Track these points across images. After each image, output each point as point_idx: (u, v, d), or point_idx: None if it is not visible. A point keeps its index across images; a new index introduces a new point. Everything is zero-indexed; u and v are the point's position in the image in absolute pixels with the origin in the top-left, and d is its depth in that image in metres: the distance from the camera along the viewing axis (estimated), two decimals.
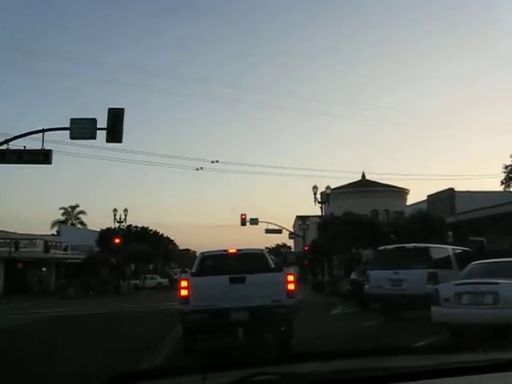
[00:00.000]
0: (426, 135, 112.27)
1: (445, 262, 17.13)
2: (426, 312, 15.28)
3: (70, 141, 22.64)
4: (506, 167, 20.87)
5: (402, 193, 62.36)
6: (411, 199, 58.05)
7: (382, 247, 18.65)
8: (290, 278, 11.37)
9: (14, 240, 49.70)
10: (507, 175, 20.95)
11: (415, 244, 18.17)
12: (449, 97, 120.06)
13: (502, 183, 20.92)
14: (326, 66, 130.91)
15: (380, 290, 17.24)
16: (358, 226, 31.16)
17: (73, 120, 21.13)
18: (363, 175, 62.37)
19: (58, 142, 24.85)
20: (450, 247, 18.66)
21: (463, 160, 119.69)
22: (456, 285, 12.31)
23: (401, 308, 17.27)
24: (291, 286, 11.25)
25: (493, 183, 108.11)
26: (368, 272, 18.40)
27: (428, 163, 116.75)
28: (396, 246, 18.31)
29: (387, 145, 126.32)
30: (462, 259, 17.64)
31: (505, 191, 32.60)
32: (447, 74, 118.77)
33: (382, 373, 1.85)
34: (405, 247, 17.87)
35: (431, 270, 16.35)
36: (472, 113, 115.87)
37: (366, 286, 18.16)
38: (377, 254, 19.00)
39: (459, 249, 19.23)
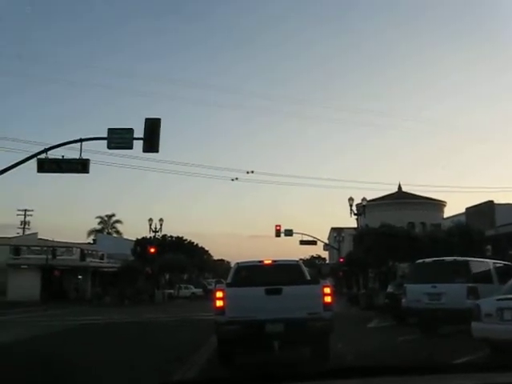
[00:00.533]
0: (465, 148, 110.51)
1: (485, 277, 16.71)
2: (465, 327, 15.00)
3: (105, 150, 22.87)
4: None
5: (439, 205, 61.59)
6: (449, 212, 57.31)
7: (420, 260, 18.25)
8: (327, 290, 11.20)
9: (52, 248, 50.38)
10: None
11: (454, 257, 17.80)
12: (490, 109, 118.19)
13: None
14: (363, 77, 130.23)
15: (418, 304, 16.88)
16: (395, 238, 30.72)
17: (110, 130, 21.32)
18: (399, 187, 61.81)
19: (94, 152, 25.16)
20: (490, 261, 18.19)
21: (503, 173, 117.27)
22: (498, 300, 11.94)
23: (439, 323, 16.89)
24: (328, 299, 11.07)
25: None
26: (405, 285, 18.03)
27: (467, 176, 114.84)
28: (434, 259, 17.89)
29: (425, 157, 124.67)
30: (503, 273, 17.24)
31: None
32: (490, 86, 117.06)
33: None
34: (444, 260, 17.47)
35: (471, 285, 15.95)
36: None
37: (404, 300, 17.79)
38: (415, 267, 18.61)
39: (500, 263, 18.76)
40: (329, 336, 11.11)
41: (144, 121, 21.19)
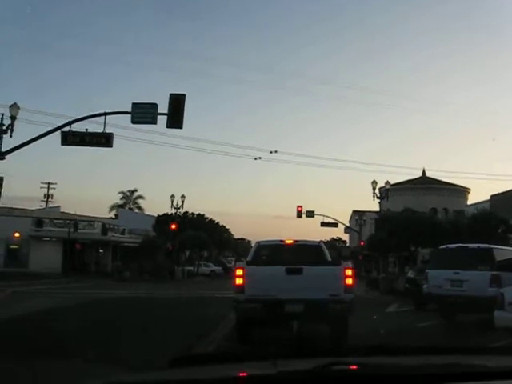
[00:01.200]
0: (493, 135, 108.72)
1: (509, 265, 16.40)
2: (487, 316, 14.76)
3: (129, 125, 22.85)
4: None
5: (462, 192, 60.88)
6: (472, 199, 56.60)
7: (444, 246, 17.98)
8: (349, 272, 11.02)
9: (74, 221, 50.77)
10: None
11: (478, 244, 17.49)
12: None
13: None
14: (391, 60, 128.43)
15: (439, 289, 16.63)
16: (418, 223, 30.39)
17: (134, 104, 21.21)
18: (423, 172, 61.12)
19: (118, 127, 25.18)
20: None
21: None
22: None
23: (460, 310, 16.66)
24: (349, 281, 10.91)
25: None
26: (427, 271, 17.77)
27: (494, 163, 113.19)
28: (458, 245, 17.58)
29: (452, 142, 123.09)
30: None
31: None
32: None
33: (458, 370, 1.77)
34: (467, 247, 17.17)
35: (494, 272, 15.67)
36: None
37: (425, 286, 17.56)
38: (437, 252, 18.33)
39: None
40: (347, 318, 10.96)
41: (169, 97, 21.09)
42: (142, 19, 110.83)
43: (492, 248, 16.99)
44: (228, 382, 1.71)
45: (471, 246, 17.23)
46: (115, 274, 47.62)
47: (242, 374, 1.77)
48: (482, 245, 17.37)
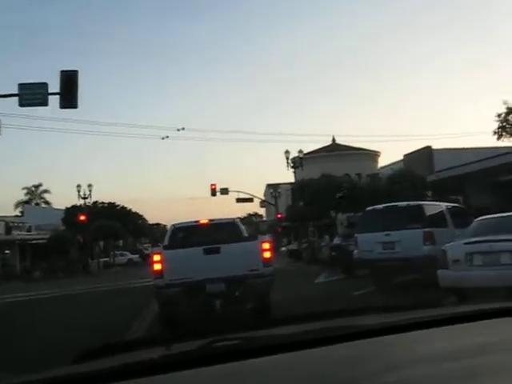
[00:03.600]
0: (396, 95, 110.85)
1: (439, 220, 15.70)
2: (422, 276, 13.99)
3: (25, 113, 20.75)
4: (499, 115, 19.41)
5: (373, 155, 61.49)
6: (383, 162, 57.24)
7: (371, 207, 16.99)
8: (266, 245, 11.12)
9: None
10: (501, 124, 19.52)
11: (407, 202, 16.69)
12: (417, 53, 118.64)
13: (495, 133, 19.51)
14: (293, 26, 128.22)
15: (370, 254, 15.72)
16: (337, 188, 29.72)
17: (21, 85, 19.21)
18: (333, 139, 61.18)
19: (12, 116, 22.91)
20: (442, 204, 17.18)
21: (441, 120, 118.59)
22: (466, 244, 10.81)
23: (394, 273, 15.86)
24: (267, 254, 11.03)
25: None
26: (356, 235, 16.81)
27: (401, 124, 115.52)
28: (386, 205, 16.66)
29: (358, 106, 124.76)
30: (456, 216, 16.37)
31: (485, 148, 31.53)
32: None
33: (343, 331, 1.81)
34: (396, 206, 16.25)
35: (427, 230, 14.90)
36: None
37: (355, 251, 16.62)
38: (365, 215, 17.32)
39: (451, 205, 17.86)
40: (269, 291, 11.11)
41: (59, 74, 19.15)
42: None
43: (422, 204, 16.27)
44: (106, 374, 1.58)
45: (400, 204, 16.36)
46: (24, 275, 44.75)
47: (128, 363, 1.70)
48: (411, 202, 16.61)
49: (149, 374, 1.53)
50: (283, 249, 51.14)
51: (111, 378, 1.53)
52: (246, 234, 13.39)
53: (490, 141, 29.59)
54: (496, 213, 12.72)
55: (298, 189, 36.23)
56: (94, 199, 56.87)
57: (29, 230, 55.59)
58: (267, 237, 12.74)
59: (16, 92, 19.22)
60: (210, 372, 1.55)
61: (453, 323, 1.90)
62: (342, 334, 1.78)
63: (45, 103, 19.36)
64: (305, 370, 1.55)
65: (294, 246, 47.51)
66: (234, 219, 14.45)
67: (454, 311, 2.22)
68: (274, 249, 13.88)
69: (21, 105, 19.34)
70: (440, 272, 10.96)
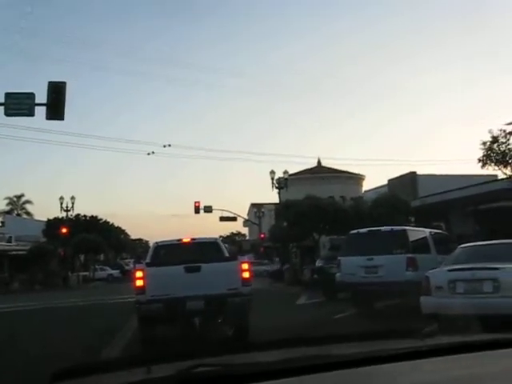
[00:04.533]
0: (385, 121, 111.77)
1: (423, 246, 15.74)
2: (404, 301, 13.97)
3: (10, 123, 20.51)
4: (484, 143, 19.58)
5: (358, 179, 61.78)
6: (368, 185, 57.43)
7: (355, 231, 16.98)
8: (245, 266, 11.46)
9: None
10: (485, 152, 19.72)
11: (391, 227, 16.69)
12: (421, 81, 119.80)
13: (480, 161, 19.66)
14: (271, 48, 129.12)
15: (353, 277, 15.70)
16: (321, 210, 29.68)
17: (8, 94, 19.02)
18: (319, 161, 61.43)
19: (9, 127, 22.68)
20: (426, 229, 17.22)
21: (425, 146, 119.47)
22: (449, 271, 10.81)
23: (376, 297, 15.82)
24: (246, 274, 11.35)
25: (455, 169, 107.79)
26: (339, 258, 16.76)
27: (385, 149, 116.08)
28: (370, 229, 16.67)
29: (345, 130, 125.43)
30: (439, 242, 16.45)
31: (469, 175, 31.73)
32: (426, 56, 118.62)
33: (322, 361, 1.80)
34: (380, 230, 16.27)
35: (410, 255, 14.90)
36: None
37: (338, 274, 16.57)
38: (349, 238, 17.30)
39: (435, 231, 17.92)
40: (248, 311, 11.27)
41: (47, 85, 19.02)
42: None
43: (406, 230, 16.28)
44: None
45: (384, 228, 16.37)
46: (2, 287, 44.05)
47: None
48: (395, 227, 16.61)
49: None
50: (261, 268, 49.04)
51: None
52: (226, 254, 13.62)
53: (474, 168, 29.87)
54: (478, 240, 12.77)
55: (281, 209, 36.19)
56: (76, 212, 56.44)
57: (9, 241, 54.84)
58: (248, 257, 13.21)
59: (2, 101, 19.05)
60: None
61: (435, 355, 1.90)
62: (321, 363, 1.79)
63: (31, 113, 19.15)
64: None
65: (268, 268, 47.58)
66: (215, 239, 14.72)
67: (436, 342, 2.20)
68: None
69: (6, 114, 19.12)
70: (423, 298, 10.95)
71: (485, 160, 20.59)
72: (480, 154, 20.77)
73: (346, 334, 2.60)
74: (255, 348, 2.36)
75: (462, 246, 12.36)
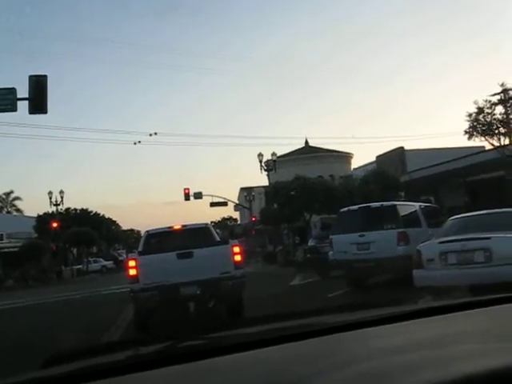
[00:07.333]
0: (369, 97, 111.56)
1: (413, 220, 15.78)
2: (397, 276, 14.02)
3: None
4: (470, 115, 19.58)
5: (346, 157, 61.91)
6: (356, 163, 57.57)
7: (345, 208, 17.00)
8: (236, 249, 11.63)
9: None
10: (471, 124, 19.72)
11: (381, 202, 16.72)
12: (391, 55, 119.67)
13: (466, 133, 19.67)
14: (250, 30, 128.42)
15: (345, 255, 15.73)
16: (311, 190, 29.68)
17: None
18: (306, 141, 61.41)
19: None
20: (416, 203, 17.27)
21: (411, 119, 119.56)
22: (440, 243, 10.84)
23: (369, 274, 15.88)
24: (238, 258, 11.53)
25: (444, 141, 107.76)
26: (331, 237, 16.80)
27: (374, 125, 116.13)
28: (360, 205, 16.70)
29: (329, 108, 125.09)
30: (429, 216, 16.49)
31: (457, 148, 31.86)
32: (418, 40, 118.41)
33: (303, 329, 1.82)
34: (370, 207, 16.29)
35: (401, 230, 14.94)
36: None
37: (330, 253, 16.62)
38: (340, 216, 17.33)
39: (425, 205, 17.98)
40: (242, 294, 11.51)
41: (28, 79, 18.85)
42: None
43: (396, 205, 16.31)
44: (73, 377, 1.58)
45: (374, 204, 16.40)
46: None
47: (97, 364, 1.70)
48: (385, 203, 16.64)
49: (116, 375, 1.55)
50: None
51: (79, 380, 1.54)
52: (218, 239, 13.73)
53: (461, 141, 30.03)
54: (468, 212, 12.79)
55: (271, 191, 36.18)
56: (66, 206, 56.18)
57: (0, 239, 54.71)
58: (240, 241, 13.29)
59: None
60: (174, 371, 1.58)
61: (418, 317, 1.92)
62: (301, 332, 1.80)
63: (13, 109, 19.02)
64: (264, 367, 1.56)
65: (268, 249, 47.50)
66: (206, 224, 14.76)
67: (419, 306, 2.23)
68: (249, 252, 14.57)
69: None
70: (415, 272, 10.97)
71: (471, 131, 20.65)
72: (466, 125, 20.84)
73: (329, 306, 2.59)
74: (244, 324, 2.37)
75: (452, 217, 12.40)
